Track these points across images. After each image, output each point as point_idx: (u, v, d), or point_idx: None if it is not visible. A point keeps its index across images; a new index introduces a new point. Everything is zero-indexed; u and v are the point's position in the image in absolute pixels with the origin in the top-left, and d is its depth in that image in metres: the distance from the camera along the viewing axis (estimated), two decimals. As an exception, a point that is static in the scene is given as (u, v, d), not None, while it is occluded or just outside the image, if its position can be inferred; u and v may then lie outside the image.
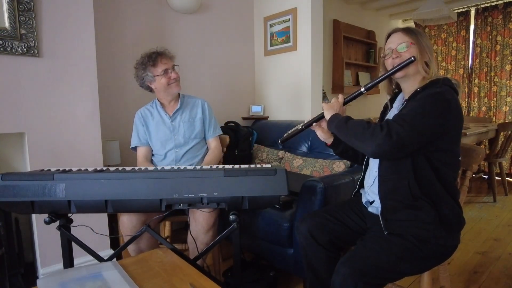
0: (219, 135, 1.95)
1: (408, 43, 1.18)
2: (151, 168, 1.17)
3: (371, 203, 1.30)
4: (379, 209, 1.19)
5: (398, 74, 1.19)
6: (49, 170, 1.11)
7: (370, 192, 1.30)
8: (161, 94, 1.80)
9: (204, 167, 1.17)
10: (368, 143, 1.06)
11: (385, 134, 1.03)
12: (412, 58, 1.12)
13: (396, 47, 1.20)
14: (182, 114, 1.84)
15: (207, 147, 1.93)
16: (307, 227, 1.30)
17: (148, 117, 1.84)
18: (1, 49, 1.57)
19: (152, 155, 1.88)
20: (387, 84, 1.34)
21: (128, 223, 1.54)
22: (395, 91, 1.35)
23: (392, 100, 1.34)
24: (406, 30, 1.21)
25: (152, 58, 1.71)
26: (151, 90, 1.81)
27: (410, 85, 1.22)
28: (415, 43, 1.18)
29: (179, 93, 1.85)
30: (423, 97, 1.09)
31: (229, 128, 2.62)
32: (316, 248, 1.28)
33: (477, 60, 4.62)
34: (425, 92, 1.11)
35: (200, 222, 1.56)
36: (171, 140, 1.80)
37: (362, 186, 1.41)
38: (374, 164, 1.29)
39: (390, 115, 1.31)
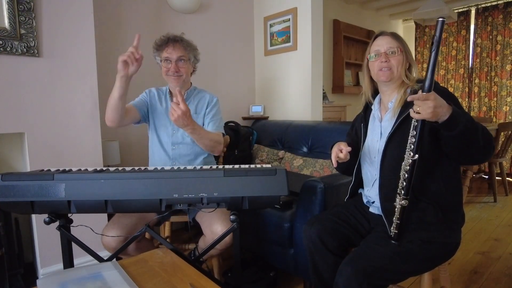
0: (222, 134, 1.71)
1: (398, 49, 1.20)
2: (151, 168, 1.16)
3: (372, 203, 1.30)
4: (380, 209, 1.19)
5: (383, 78, 1.20)
6: (49, 170, 1.11)
7: (371, 194, 1.30)
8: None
9: (204, 167, 1.17)
10: (490, 154, 1.05)
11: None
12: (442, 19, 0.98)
13: (385, 51, 1.21)
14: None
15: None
16: (316, 231, 1.26)
17: (156, 100, 1.72)
18: (1, 49, 1.57)
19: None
20: (370, 85, 1.34)
21: (111, 241, 1.40)
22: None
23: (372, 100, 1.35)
24: (394, 35, 1.23)
25: (162, 42, 1.61)
26: None
27: (390, 88, 1.24)
28: (402, 49, 1.21)
29: (191, 84, 1.74)
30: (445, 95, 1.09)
31: (229, 128, 2.62)
32: (324, 253, 1.25)
33: (478, 60, 4.62)
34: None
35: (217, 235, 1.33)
36: (169, 136, 1.67)
37: (357, 189, 1.42)
38: (370, 168, 1.28)
39: (375, 116, 1.31)
